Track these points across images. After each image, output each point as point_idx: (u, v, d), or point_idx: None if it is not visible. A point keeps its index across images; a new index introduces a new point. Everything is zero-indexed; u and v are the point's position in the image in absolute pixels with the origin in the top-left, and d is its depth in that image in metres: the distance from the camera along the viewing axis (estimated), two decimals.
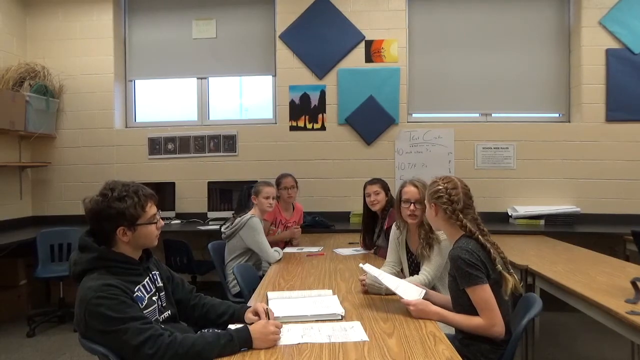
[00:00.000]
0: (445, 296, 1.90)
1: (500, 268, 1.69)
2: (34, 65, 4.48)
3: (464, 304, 1.70)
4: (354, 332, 1.58)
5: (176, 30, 4.82)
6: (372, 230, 3.20)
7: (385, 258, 2.61)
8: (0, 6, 4.36)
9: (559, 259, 2.84)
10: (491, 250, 1.70)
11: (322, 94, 4.58)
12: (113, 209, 1.49)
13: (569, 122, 4.55)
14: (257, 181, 3.37)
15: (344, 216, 4.47)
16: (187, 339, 1.39)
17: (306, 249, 3.31)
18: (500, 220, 4.29)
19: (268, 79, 4.83)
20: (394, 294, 1.89)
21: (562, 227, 4.06)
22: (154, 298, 1.60)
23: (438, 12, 4.64)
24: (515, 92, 4.60)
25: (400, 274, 2.46)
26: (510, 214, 4.34)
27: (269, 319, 1.59)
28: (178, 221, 4.45)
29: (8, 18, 4.46)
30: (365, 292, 2.10)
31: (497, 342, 1.68)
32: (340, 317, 1.74)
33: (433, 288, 2.18)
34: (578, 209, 4.24)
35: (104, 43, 4.67)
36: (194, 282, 4.09)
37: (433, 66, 4.65)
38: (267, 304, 1.84)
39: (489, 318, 1.63)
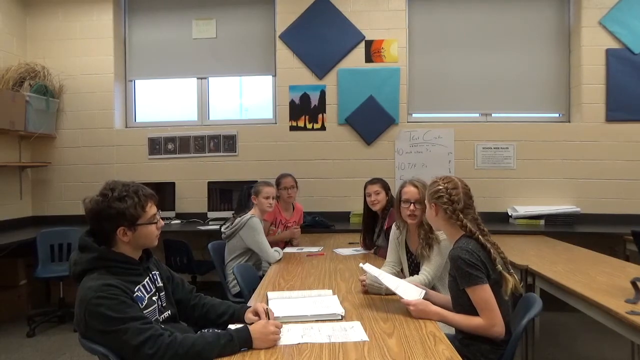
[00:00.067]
0: (445, 296, 1.90)
1: (501, 268, 1.68)
2: (34, 65, 4.48)
3: (464, 304, 1.70)
4: (354, 332, 1.58)
5: (176, 30, 4.82)
6: (372, 230, 3.20)
7: (385, 258, 2.62)
8: (0, 6, 4.36)
9: (559, 259, 2.84)
10: (491, 251, 1.70)
11: (322, 94, 4.58)
12: (113, 209, 1.49)
13: (569, 122, 4.55)
14: (257, 181, 3.38)
15: (344, 216, 4.47)
16: (187, 339, 1.39)
17: (306, 249, 3.31)
18: (500, 220, 4.29)
19: (268, 79, 4.83)
20: (394, 294, 1.89)
21: (562, 227, 4.06)
22: (154, 298, 1.60)
23: (438, 12, 4.64)
24: (515, 92, 4.60)
25: (400, 274, 2.46)
26: (510, 214, 4.34)
27: (269, 319, 1.59)
28: (178, 221, 4.45)
29: (8, 18, 4.46)
30: (366, 292, 2.10)
31: (497, 342, 1.68)
32: (340, 317, 1.74)
33: (433, 288, 2.18)
34: (578, 209, 4.24)
35: (104, 43, 4.67)
36: (194, 282, 4.09)
37: (433, 66, 4.65)
38: (267, 304, 1.84)
39: (489, 318, 1.63)
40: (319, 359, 1.38)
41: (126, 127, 4.88)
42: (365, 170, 4.34)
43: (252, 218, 3.03)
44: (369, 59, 4.55)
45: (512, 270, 1.73)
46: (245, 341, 1.44)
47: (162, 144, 4.71)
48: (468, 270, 1.64)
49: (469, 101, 4.64)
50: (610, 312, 1.81)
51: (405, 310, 1.79)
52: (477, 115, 4.69)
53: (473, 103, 4.65)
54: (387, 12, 4.53)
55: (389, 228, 2.73)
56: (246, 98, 5.07)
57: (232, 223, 3.09)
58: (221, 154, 4.67)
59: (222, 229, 3.17)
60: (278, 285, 2.33)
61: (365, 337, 1.53)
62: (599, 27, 4.32)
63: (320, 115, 4.59)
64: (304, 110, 4.60)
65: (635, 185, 4.31)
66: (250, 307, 1.74)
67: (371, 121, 4.52)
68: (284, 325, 1.58)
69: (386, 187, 3.15)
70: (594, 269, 2.52)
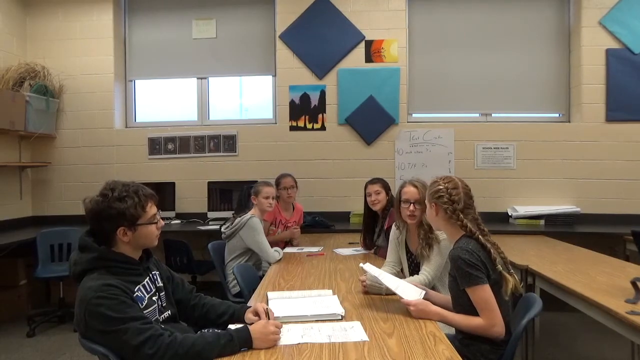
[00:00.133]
0: (445, 296, 1.90)
1: (501, 268, 1.68)
2: (34, 65, 4.48)
3: (464, 304, 1.70)
4: (354, 332, 1.58)
5: (176, 30, 4.82)
6: (372, 230, 3.20)
7: (385, 258, 2.62)
8: (0, 6, 4.36)
9: (559, 259, 2.84)
10: (491, 251, 1.70)
11: (322, 94, 4.58)
12: (113, 209, 1.49)
13: (569, 122, 4.55)
14: (257, 181, 3.37)
15: (344, 216, 4.47)
16: (187, 339, 1.39)
17: (306, 249, 3.31)
18: (500, 220, 4.29)
19: (268, 79, 4.83)
20: (394, 294, 1.89)
21: (562, 227, 4.06)
22: (154, 298, 1.60)
23: (438, 12, 4.64)
24: (515, 92, 4.60)
25: (400, 274, 2.46)
26: (510, 214, 4.34)
27: (269, 319, 1.59)
28: (178, 221, 4.45)
29: (8, 18, 4.46)
30: (366, 293, 2.10)
31: (497, 342, 1.68)
32: (340, 317, 1.74)
33: (433, 288, 2.18)
34: (578, 209, 4.24)
35: (104, 43, 4.67)
36: (194, 282, 4.09)
37: (433, 66, 4.65)
38: (267, 304, 1.84)
39: (489, 318, 1.63)
40: (319, 359, 1.38)
41: (126, 127, 4.88)
42: (365, 170, 4.34)
43: (252, 218, 3.03)
44: (369, 59, 4.55)
45: (512, 271, 1.73)
46: (245, 341, 1.44)
47: (162, 144, 4.71)
48: (468, 271, 1.64)
49: (469, 101, 4.64)
50: (610, 312, 1.81)
51: (405, 310, 1.79)
52: (477, 115, 4.69)
53: (473, 103, 4.65)
54: (387, 12, 4.54)
55: (389, 228, 2.73)
56: (246, 98, 5.07)
57: (232, 223, 3.09)
58: (221, 154, 4.67)
59: (222, 229, 3.17)
60: (278, 285, 2.33)
61: (365, 337, 1.53)
62: (599, 27, 4.32)
63: (320, 115, 4.59)
64: (304, 110, 4.60)
65: (635, 185, 4.31)
66: (250, 307, 1.74)
67: (371, 121, 4.52)
68: (284, 325, 1.58)
69: (386, 187, 3.15)
70: (594, 269, 2.52)
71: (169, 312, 1.66)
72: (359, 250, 3.24)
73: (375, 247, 3.16)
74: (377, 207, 3.12)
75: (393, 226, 2.59)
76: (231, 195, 4.49)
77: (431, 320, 1.71)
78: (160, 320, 1.59)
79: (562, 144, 4.41)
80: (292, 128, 4.61)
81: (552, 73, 4.59)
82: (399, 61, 4.53)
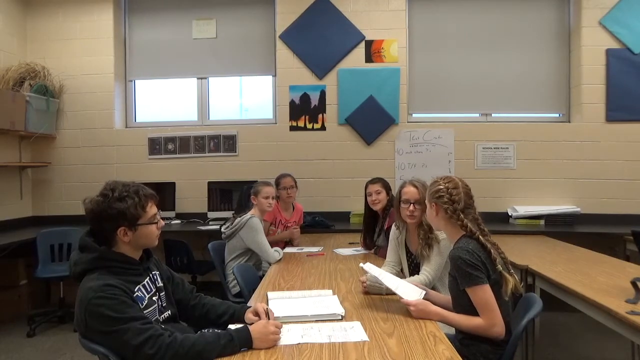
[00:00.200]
0: (446, 296, 1.90)
1: (501, 268, 1.68)
2: (34, 65, 4.48)
3: (464, 304, 1.70)
4: (354, 332, 1.58)
5: (176, 30, 4.82)
6: (373, 229, 3.20)
7: (385, 258, 2.62)
8: (0, 6, 4.36)
9: (559, 259, 2.85)
10: (492, 251, 1.70)
11: (322, 94, 4.58)
12: (114, 210, 1.49)
13: (569, 122, 4.55)
14: (257, 181, 3.37)
15: (344, 216, 4.47)
16: (187, 339, 1.39)
17: (306, 249, 3.31)
18: (500, 220, 4.29)
19: (268, 79, 4.83)
20: (395, 294, 1.89)
21: (562, 227, 4.06)
22: (154, 298, 1.60)
23: (438, 12, 4.64)
24: (515, 92, 4.60)
25: (400, 274, 2.46)
26: (510, 214, 4.34)
27: (269, 319, 1.59)
28: (178, 221, 4.45)
29: (8, 18, 4.46)
30: (366, 293, 2.10)
31: (497, 343, 1.68)
32: (340, 317, 1.74)
33: (433, 288, 2.18)
34: (578, 209, 4.24)
35: (104, 43, 4.67)
36: (194, 282, 4.09)
37: (433, 66, 4.65)
38: (267, 304, 1.84)
39: (489, 318, 1.63)
40: (319, 359, 1.38)
41: (126, 127, 4.88)
42: (365, 170, 4.33)
43: (252, 218, 3.03)
44: (369, 59, 4.55)
45: (512, 271, 1.73)
46: (245, 341, 1.44)
47: (162, 144, 4.71)
48: (468, 271, 1.64)
49: (469, 101, 4.64)
50: (610, 312, 1.81)
51: (405, 310, 1.79)
52: (477, 115, 4.69)
53: (473, 103, 4.65)
54: (387, 12, 4.54)
55: (389, 228, 2.73)
56: (246, 98, 5.07)
57: (232, 223, 3.09)
58: (221, 154, 4.67)
59: (222, 229, 3.17)
60: (278, 285, 2.33)
61: (365, 337, 1.53)
62: (599, 27, 4.32)
63: (320, 115, 4.59)
64: (304, 110, 4.60)
65: (635, 185, 4.31)
66: (250, 307, 1.74)
67: (371, 121, 4.52)
68: (284, 325, 1.58)
69: (387, 187, 3.15)
70: (594, 269, 2.52)
71: (169, 312, 1.66)
72: (359, 250, 3.25)
73: (375, 247, 3.16)
74: (377, 207, 3.12)
75: (393, 226, 2.60)
76: (231, 195, 4.49)
77: (431, 320, 1.71)
78: (161, 320, 1.60)
79: (562, 144, 4.41)
80: (292, 128, 4.61)
81: (552, 73, 4.59)
82: (399, 61, 4.53)
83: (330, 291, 2.11)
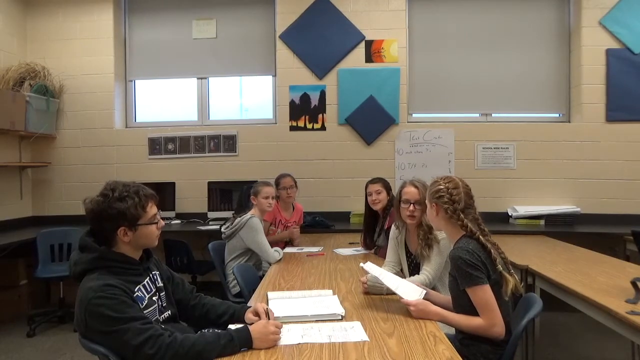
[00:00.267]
0: (446, 296, 1.90)
1: (501, 268, 1.68)
2: (34, 65, 4.49)
3: (464, 305, 1.70)
4: (354, 332, 1.58)
5: (176, 30, 4.82)
6: (373, 229, 3.20)
7: (385, 258, 2.61)
8: (0, 6, 4.36)
9: (559, 259, 2.85)
10: (492, 251, 1.70)
11: (322, 94, 4.58)
12: (114, 210, 1.49)
13: (569, 122, 4.55)
14: (257, 181, 3.37)
15: (344, 216, 4.47)
16: (187, 339, 1.39)
17: (306, 249, 3.31)
18: (500, 220, 4.29)
19: (268, 79, 4.83)
20: (395, 293, 1.89)
21: (562, 227, 4.06)
22: (154, 298, 1.60)
23: (438, 12, 4.64)
24: (515, 92, 4.60)
25: (400, 274, 2.46)
26: (510, 214, 4.34)
27: (269, 319, 1.59)
28: (178, 221, 4.45)
29: (8, 18, 4.46)
30: (366, 293, 2.10)
31: (497, 343, 1.68)
32: (340, 317, 1.74)
33: (433, 288, 2.17)
34: (578, 209, 4.24)
35: (104, 43, 4.67)
36: (194, 282, 4.09)
37: (433, 66, 4.65)
38: (267, 304, 1.84)
39: (489, 318, 1.63)
40: (319, 359, 1.38)
41: (126, 127, 4.88)
42: (365, 170, 4.33)
43: (252, 218, 3.03)
44: (369, 59, 4.55)
45: (512, 271, 1.73)
46: (245, 341, 1.44)
47: (162, 144, 4.71)
48: (468, 271, 1.64)
49: (469, 101, 4.64)
50: (610, 312, 1.81)
51: (405, 310, 1.79)
52: (477, 115, 4.69)
53: (473, 103, 4.65)
54: (387, 12, 4.54)
55: (390, 228, 2.73)
56: (246, 98, 5.07)
57: (232, 223, 3.09)
58: (221, 154, 4.67)
59: (222, 229, 3.17)
60: (278, 285, 2.33)
61: (365, 337, 1.53)
62: (599, 27, 4.32)
63: (320, 115, 4.59)
64: (304, 110, 4.60)
65: (635, 185, 4.31)
66: (250, 307, 1.74)
67: (371, 121, 4.52)
68: (284, 325, 1.58)
69: (387, 187, 3.15)
70: (594, 269, 2.52)
71: (169, 312, 1.66)
72: (359, 250, 3.25)
73: (375, 247, 3.16)
74: (377, 207, 3.12)
75: (392, 226, 2.60)
76: (231, 195, 4.49)
77: (431, 320, 1.71)
78: (161, 320, 1.60)
79: (562, 144, 4.41)
80: (292, 128, 4.61)
81: (552, 73, 4.59)
82: (399, 61, 4.53)
83: (331, 291, 2.10)
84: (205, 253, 3.54)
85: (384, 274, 1.98)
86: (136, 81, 4.96)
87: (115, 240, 1.53)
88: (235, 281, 2.71)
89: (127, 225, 1.51)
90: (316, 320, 1.71)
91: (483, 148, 4.48)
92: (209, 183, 4.54)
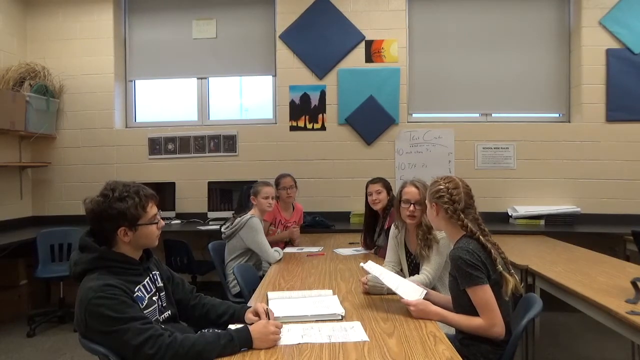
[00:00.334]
0: (446, 296, 1.90)
1: (501, 268, 1.68)
2: (34, 65, 4.49)
3: (464, 305, 1.70)
4: (354, 332, 1.58)
5: (176, 30, 4.82)
6: (373, 229, 3.21)
7: (385, 258, 2.62)
8: (0, 6, 4.36)
9: (559, 259, 2.85)
10: (492, 251, 1.70)
11: (322, 94, 4.58)
12: (114, 210, 1.49)
13: (569, 122, 4.55)
14: (257, 181, 3.37)
15: (344, 216, 4.47)
16: (187, 339, 1.39)
17: (306, 249, 3.31)
18: (500, 220, 4.29)
19: (268, 79, 4.83)
20: (395, 293, 1.89)
21: (562, 227, 4.06)
22: (154, 298, 1.60)
23: (438, 12, 4.64)
24: (515, 92, 4.60)
25: (400, 274, 2.46)
26: (510, 214, 4.34)
27: (269, 319, 1.59)
28: (178, 221, 4.45)
29: (8, 18, 4.46)
30: (367, 293, 2.10)
31: (497, 343, 1.68)
32: (340, 317, 1.74)
33: (433, 288, 2.18)
34: (578, 209, 4.24)
35: (104, 43, 4.67)
36: (194, 282, 4.09)
37: (433, 66, 4.65)
38: (268, 304, 1.84)
39: (489, 318, 1.63)
40: (319, 359, 1.38)
41: (126, 127, 4.88)
42: (365, 170, 4.33)
43: (252, 218, 3.03)
44: (369, 59, 4.55)
45: (512, 271, 1.73)
46: (245, 341, 1.44)
47: (162, 144, 4.71)
48: (468, 271, 1.64)
49: (469, 101, 4.64)
50: (610, 312, 1.81)
51: (405, 310, 1.79)
52: (477, 115, 4.69)
53: (473, 103, 4.65)
54: (387, 12, 4.54)
55: (390, 228, 2.73)
56: (246, 98, 5.07)
57: (232, 223, 3.09)
58: (221, 154, 4.67)
59: (222, 229, 3.17)
60: (278, 285, 2.33)
61: (365, 337, 1.53)
62: (599, 27, 4.32)
63: (320, 115, 4.59)
64: (304, 110, 4.60)
65: (635, 185, 4.31)
66: (250, 307, 1.74)
67: (371, 121, 4.52)
68: (284, 325, 1.58)
69: (388, 187, 3.15)
70: (594, 269, 2.52)
71: (169, 312, 1.66)
72: (359, 250, 3.25)
73: (375, 247, 3.16)
74: (377, 207, 3.12)
75: (392, 225, 2.60)
76: (231, 195, 4.49)
77: (431, 320, 1.71)
78: (161, 320, 1.60)
79: (562, 144, 4.41)
80: (292, 128, 4.61)
81: (552, 73, 4.59)
82: (399, 61, 4.53)
83: (331, 291, 2.10)
84: (205, 253, 3.54)
85: (384, 274, 1.98)
86: (136, 81, 4.96)
87: (116, 240, 1.53)
88: (235, 281, 2.71)
89: (127, 226, 1.51)
90: (316, 320, 1.71)
91: (483, 148, 4.48)
92: (209, 183, 4.54)
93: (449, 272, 1.79)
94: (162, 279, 1.69)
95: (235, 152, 4.66)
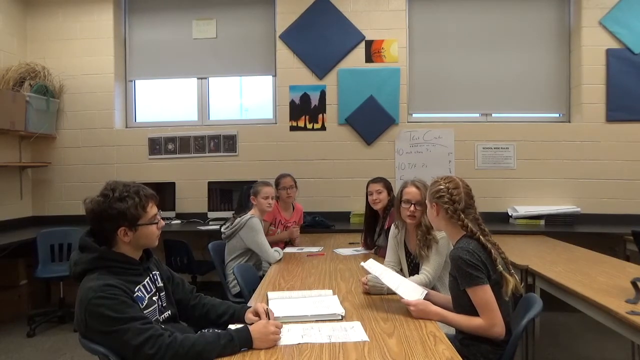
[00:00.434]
0: (446, 296, 1.90)
1: (501, 268, 1.68)
2: (34, 65, 4.48)
3: (464, 305, 1.70)
4: (354, 332, 1.58)
5: (176, 30, 4.82)
6: (373, 229, 3.21)
7: (385, 258, 2.62)
8: (0, 6, 4.36)
9: (559, 259, 2.85)
10: (492, 251, 1.70)
11: (322, 94, 4.58)
12: (114, 210, 1.49)
13: (569, 122, 4.55)
14: (257, 181, 3.37)
15: (344, 216, 4.47)
16: (187, 339, 1.39)
17: (306, 249, 3.31)
18: (500, 220, 4.29)
19: (268, 79, 4.83)
20: (395, 293, 1.89)
21: (562, 227, 4.06)
22: (154, 298, 1.60)
23: (438, 12, 4.64)
24: (515, 92, 4.60)
25: (400, 274, 2.46)
26: (510, 214, 4.34)
27: (269, 319, 1.59)
28: (178, 221, 4.45)
29: (8, 18, 4.46)
30: (367, 293, 2.09)
31: (497, 343, 1.68)
32: (340, 317, 1.74)
33: (433, 288, 2.18)
34: (578, 209, 4.24)
35: (104, 43, 4.67)
36: (194, 282, 4.09)
37: (433, 66, 4.65)
38: (268, 304, 1.84)
39: (489, 318, 1.63)
40: (319, 359, 1.38)
41: (126, 127, 4.88)
42: (365, 170, 4.33)
43: (252, 218, 3.03)
44: (369, 59, 4.55)
45: (512, 271, 1.73)
46: (245, 341, 1.44)
47: (163, 144, 4.71)
48: (468, 271, 1.64)
49: (469, 101, 4.64)
50: (610, 312, 1.81)
51: (405, 310, 1.79)
52: (477, 115, 4.69)
53: (473, 103, 4.65)
54: (387, 12, 4.54)
55: (390, 228, 2.73)
56: (246, 98, 5.07)
57: (232, 223, 3.09)
58: (221, 154, 4.67)
59: (222, 229, 3.17)
60: (278, 285, 2.33)
61: (365, 337, 1.53)
62: (599, 27, 4.32)
63: (320, 115, 4.59)
64: (304, 110, 4.60)
65: (635, 185, 4.31)
66: (250, 307, 1.74)
67: (371, 121, 4.52)
68: (284, 325, 1.58)
69: (388, 187, 3.15)
70: (594, 269, 2.52)
71: (169, 312, 1.66)
72: (359, 250, 3.25)
73: (375, 247, 3.16)
74: (378, 207, 3.12)
75: (392, 225, 2.60)
76: (231, 195, 4.49)
77: (431, 320, 1.71)
78: (161, 320, 1.60)
79: (562, 144, 4.41)
80: (292, 128, 4.61)
81: (552, 73, 4.59)
82: (399, 61, 4.53)
83: (331, 291, 2.10)
84: (205, 253, 3.54)
85: (384, 273, 1.98)
86: (136, 81, 4.96)
87: (116, 241, 1.53)
88: (235, 281, 2.71)
89: (127, 226, 1.51)
90: (316, 320, 1.71)
91: (483, 148, 4.48)
92: (209, 183, 4.54)
93: (449, 272, 1.79)
94: (162, 279, 1.69)
95: (235, 152, 4.66)
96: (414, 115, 4.67)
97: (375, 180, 3.17)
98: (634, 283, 1.94)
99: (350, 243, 3.48)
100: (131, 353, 1.34)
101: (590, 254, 3.03)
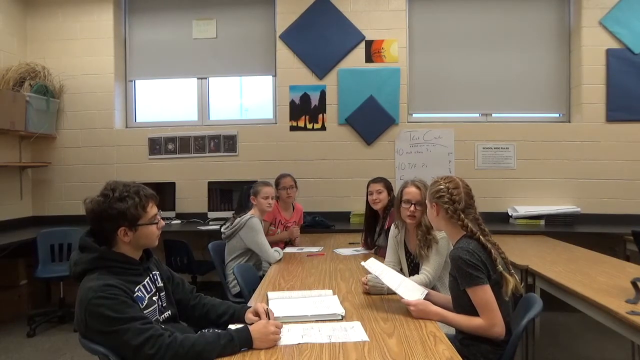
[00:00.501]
0: (446, 296, 1.90)
1: (501, 268, 1.68)
2: (34, 65, 4.48)
3: (464, 305, 1.70)
4: (354, 332, 1.58)
5: (176, 30, 4.82)
6: (373, 229, 3.21)
7: (385, 258, 2.62)
8: (0, 6, 4.36)
9: (559, 259, 2.85)
10: (492, 251, 1.70)
11: (322, 94, 4.58)
12: (114, 210, 1.49)
13: (569, 122, 4.55)
14: (257, 181, 3.37)
15: (344, 216, 4.47)
16: (187, 339, 1.39)
17: (306, 249, 3.31)
18: (500, 220, 4.29)
19: (268, 79, 4.84)
20: (395, 293, 1.89)
21: (562, 227, 4.06)
22: (154, 298, 1.60)
23: (438, 12, 4.64)
24: (515, 92, 4.60)
25: (400, 274, 2.46)
26: (510, 214, 4.34)
27: (269, 319, 1.59)
28: (178, 221, 4.45)
29: (8, 18, 4.46)
30: (367, 293, 2.10)
31: (497, 343, 1.68)
32: (340, 317, 1.74)
33: (433, 288, 2.18)
34: (578, 209, 4.24)
35: (104, 43, 4.67)
36: (194, 282, 4.09)
37: (433, 66, 4.65)
38: (268, 304, 1.84)
39: (489, 318, 1.63)
40: (319, 359, 1.38)
41: (126, 127, 4.88)
42: (365, 170, 4.33)
43: (252, 218, 3.03)
44: (369, 59, 4.55)
45: (512, 271, 1.73)
46: (245, 341, 1.44)
47: (163, 144, 4.71)
48: (468, 271, 1.64)
49: (469, 101, 4.64)
50: (610, 312, 1.81)
51: (405, 310, 1.79)
52: (477, 115, 4.69)
53: (473, 103, 4.65)
54: (387, 12, 4.54)
55: (390, 228, 2.73)
56: (246, 98, 5.07)
57: (232, 223, 3.09)
58: (221, 154, 4.67)
59: (222, 229, 3.17)
60: (278, 285, 2.33)
61: (365, 337, 1.53)
62: (599, 27, 4.32)
63: (320, 115, 4.59)
64: (304, 110, 4.60)
65: (635, 185, 4.31)
66: (250, 307, 1.74)
67: (371, 121, 4.52)
68: (284, 326, 1.58)
69: (389, 187, 3.15)
70: (594, 269, 2.52)
71: (169, 312, 1.66)
72: (359, 250, 3.25)
73: (375, 247, 3.16)
74: (378, 206, 3.12)
75: (392, 225, 2.60)
76: (231, 195, 4.49)
77: (431, 320, 1.71)
78: (161, 320, 1.60)
79: (562, 144, 4.41)
80: (292, 128, 4.61)
81: (552, 73, 4.59)
82: (399, 61, 4.53)
83: (331, 291, 2.11)
84: (205, 253, 3.54)
85: (385, 272, 1.98)
86: (136, 81, 4.96)
87: (116, 241, 1.53)
88: (235, 281, 2.71)
89: (127, 226, 1.51)
90: (316, 320, 1.71)
91: (483, 148, 4.48)
92: (209, 183, 4.54)
93: (449, 272, 1.79)
94: (162, 279, 1.69)
95: (236, 152, 4.66)
96: (414, 115, 4.67)
97: (376, 180, 3.17)
98: (634, 283, 1.94)
99: (350, 243, 3.48)
100: (131, 353, 1.34)
101: (590, 254, 3.03)
